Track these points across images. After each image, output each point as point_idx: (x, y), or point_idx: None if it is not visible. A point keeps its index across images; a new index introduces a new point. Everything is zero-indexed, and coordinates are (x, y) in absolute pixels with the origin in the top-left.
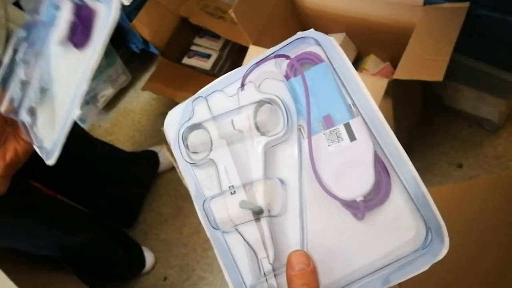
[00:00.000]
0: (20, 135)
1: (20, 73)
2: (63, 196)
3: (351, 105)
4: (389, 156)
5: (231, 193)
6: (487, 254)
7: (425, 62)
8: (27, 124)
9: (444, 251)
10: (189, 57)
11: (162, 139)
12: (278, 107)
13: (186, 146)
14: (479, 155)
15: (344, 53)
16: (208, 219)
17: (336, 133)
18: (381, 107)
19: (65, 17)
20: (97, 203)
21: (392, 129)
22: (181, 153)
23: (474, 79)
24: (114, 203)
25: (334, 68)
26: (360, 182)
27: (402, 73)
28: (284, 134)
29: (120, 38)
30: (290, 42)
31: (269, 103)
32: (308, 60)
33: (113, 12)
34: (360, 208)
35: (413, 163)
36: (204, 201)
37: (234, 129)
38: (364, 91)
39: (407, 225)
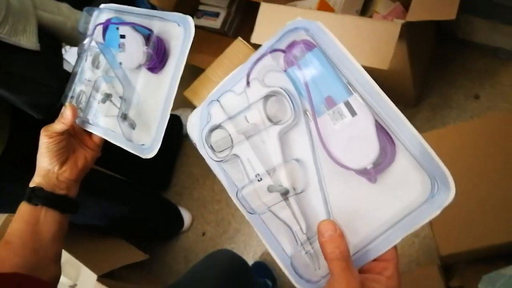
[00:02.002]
0: (86, 143)
1: (103, 88)
2: (103, 168)
3: (347, 83)
4: (389, 121)
5: (258, 180)
6: (503, 184)
7: (436, 1)
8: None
9: (451, 196)
10: (198, 17)
11: (182, 103)
12: (283, 97)
13: (211, 147)
14: (495, 84)
15: (333, 34)
16: (244, 207)
17: (339, 111)
18: (396, 52)
19: (136, 47)
20: (134, 172)
21: (409, 71)
22: (207, 154)
23: (487, 9)
24: (148, 170)
25: (325, 52)
26: (367, 151)
27: (414, 14)
28: (293, 120)
29: (127, 4)
30: (282, 36)
31: (275, 95)
32: (301, 48)
33: (191, 34)
34: (372, 173)
35: (431, 99)
36: (237, 192)
37: (249, 123)
38: (357, 66)
39: (414, 180)
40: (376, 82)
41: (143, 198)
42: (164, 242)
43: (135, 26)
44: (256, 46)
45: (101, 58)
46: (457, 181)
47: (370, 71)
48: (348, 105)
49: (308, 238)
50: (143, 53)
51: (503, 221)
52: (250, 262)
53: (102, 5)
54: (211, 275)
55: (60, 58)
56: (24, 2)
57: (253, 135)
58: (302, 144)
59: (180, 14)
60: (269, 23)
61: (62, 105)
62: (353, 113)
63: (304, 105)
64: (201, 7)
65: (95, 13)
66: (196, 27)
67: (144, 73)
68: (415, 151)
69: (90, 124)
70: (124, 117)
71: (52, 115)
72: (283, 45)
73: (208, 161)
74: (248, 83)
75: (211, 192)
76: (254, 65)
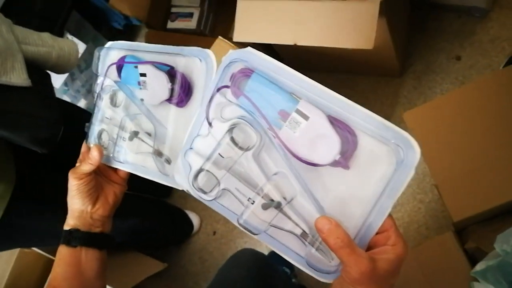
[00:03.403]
0: (113, 179)
1: (129, 126)
2: None
3: (291, 93)
4: (340, 111)
5: (251, 203)
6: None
7: None
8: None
9: (418, 153)
10: (172, 20)
11: None
12: (244, 125)
13: (201, 190)
14: (474, 42)
15: (263, 54)
16: (248, 230)
17: (294, 120)
18: (377, 29)
19: (160, 85)
20: (134, 183)
21: (391, 45)
22: (200, 197)
23: None
24: (148, 180)
25: (264, 72)
26: (331, 145)
27: None
28: (261, 141)
29: (100, 20)
30: (222, 72)
31: (236, 126)
32: (242, 77)
33: (213, 68)
34: (342, 162)
35: (415, 67)
36: (238, 219)
37: (224, 158)
38: (295, 74)
39: (381, 153)
40: (360, 60)
41: (150, 208)
42: (178, 247)
43: (155, 64)
44: (238, 45)
45: (119, 95)
46: (459, 147)
47: (354, 52)
48: (299, 112)
49: (313, 237)
50: (168, 90)
51: (509, 179)
52: (265, 252)
53: (109, 43)
54: (239, 276)
55: (51, 88)
56: (8, 39)
57: (232, 167)
58: (275, 158)
59: (199, 48)
60: (248, 19)
61: (71, 142)
62: (305, 117)
63: (263, 125)
64: (173, 10)
65: (103, 51)
66: (172, 30)
67: (171, 108)
68: (373, 127)
69: (116, 161)
70: (159, 153)
71: (62, 148)
72: (226, 81)
73: (204, 202)
74: (209, 124)
75: None
76: (209, 107)
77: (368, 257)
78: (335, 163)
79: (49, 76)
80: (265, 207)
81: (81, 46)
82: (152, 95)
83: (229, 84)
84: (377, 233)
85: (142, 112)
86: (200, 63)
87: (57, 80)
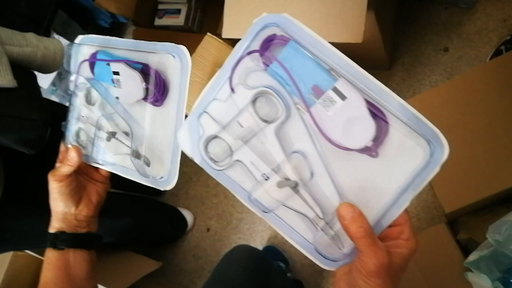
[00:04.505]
0: (95, 178)
1: (106, 125)
2: None
3: (330, 69)
4: (376, 97)
5: (265, 179)
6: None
7: None
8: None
9: (446, 151)
10: (160, 17)
11: None
12: (271, 95)
13: (211, 158)
14: (462, 34)
15: (302, 23)
16: (258, 207)
17: (328, 98)
18: (367, 22)
19: (134, 84)
20: (125, 182)
21: (380, 39)
22: (209, 165)
23: None
24: None
25: (300, 43)
26: (365, 130)
27: None
28: (286, 116)
29: (86, 18)
30: (254, 35)
31: (262, 95)
32: (276, 43)
33: (188, 63)
34: (373, 149)
35: (403, 59)
36: (248, 195)
37: (243, 128)
38: (334, 51)
39: (411, 145)
40: (348, 53)
41: (143, 207)
42: (171, 245)
43: (128, 62)
44: (228, 41)
45: (93, 93)
46: (449, 139)
47: (342, 45)
48: (336, 90)
49: (327, 222)
50: (142, 89)
51: (499, 170)
52: (259, 247)
53: (80, 37)
54: (235, 272)
55: (38, 89)
56: None
57: (249, 138)
58: (299, 135)
59: (172, 44)
60: (237, 15)
61: (53, 141)
62: (342, 97)
63: (292, 98)
64: (160, 6)
65: (74, 47)
66: (160, 27)
67: (147, 107)
68: (405, 118)
69: (96, 161)
70: (137, 155)
71: (44, 147)
72: (257, 45)
73: (210, 171)
74: (232, 89)
75: (206, 188)
76: (233, 71)
77: (386, 250)
78: (364, 149)
79: (35, 76)
80: (280, 185)
81: None
82: (127, 94)
83: (261, 48)
84: (389, 226)
85: (117, 112)
86: (174, 60)
87: (45, 80)
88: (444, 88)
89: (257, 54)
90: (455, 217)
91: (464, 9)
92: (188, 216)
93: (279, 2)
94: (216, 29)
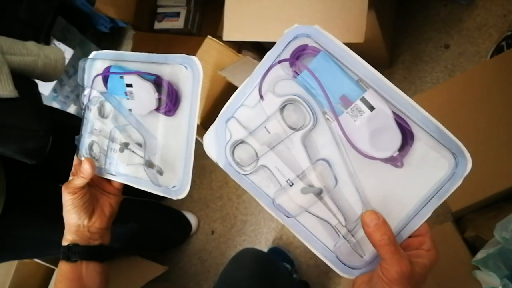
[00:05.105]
0: (107, 190)
1: (119, 137)
2: None
3: (359, 80)
4: (402, 108)
5: (290, 185)
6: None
7: None
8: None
9: (469, 165)
10: (159, 21)
11: None
12: (299, 103)
13: (236, 162)
14: (462, 30)
15: (332, 35)
16: (281, 213)
17: (357, 108)
18: (368, 21)
19: (147, 95)
20: (129, 187)
21: (381, 37)
22: (235, 169)
23: None
24: None
25: (331, 53)
26: (391, 140)
27: None
28: (313, 124)
29: (86, 24)
30: (286, 45)
31: (291, 103)
32: (306, 53)
33: (200, 76)
34: (398, 159)
35: (403, 57)
36: (273, 201)
37: (270, 134)
38: (362, 63)
39: (436, 157)
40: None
41: (148, 211)
42: (176, 249)
43: (140, 74)
44: (228, 44)
45: (107, 106)
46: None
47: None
48: (364, 100)
49: (349, 230)
50: (155, 100)
51: (505, 167)
52: (264, 249)
53: (93, 53)
54: (243, 276)
55: (39, 98)
56: None
57: (275, 144)
58: (325, 144)
59: (184, 55)
60: (237, 18)
61: (61, 151)
62: (370, 107)
63: (321, 107)
64: (160, 10)
65: (88, 62)
66: (159, 31)
67: (159, 117)
68: (429, 130)
69: (109, 173)
70: (150, 164)
71: (52, 157)
72: (287, 54)
73: (234, 175)
74: (261, 96)
75: (210, 191)
76: (263, 79)
77: (409, 258)
78: (389, 159)
79: (36, 85)
80: (304, 191)
81: (68, 52)
82: (140, 105)
83: (291, 58)
84: (410, 236)
85: (130, 123)
86: (186, 71)
87: (46, 86)
88: (446, 87)
89: (287, 63)
90: (462, 215)
91: (464, 6)
92: (192, 219)
93: (280, 4)
94: (215, 32)
